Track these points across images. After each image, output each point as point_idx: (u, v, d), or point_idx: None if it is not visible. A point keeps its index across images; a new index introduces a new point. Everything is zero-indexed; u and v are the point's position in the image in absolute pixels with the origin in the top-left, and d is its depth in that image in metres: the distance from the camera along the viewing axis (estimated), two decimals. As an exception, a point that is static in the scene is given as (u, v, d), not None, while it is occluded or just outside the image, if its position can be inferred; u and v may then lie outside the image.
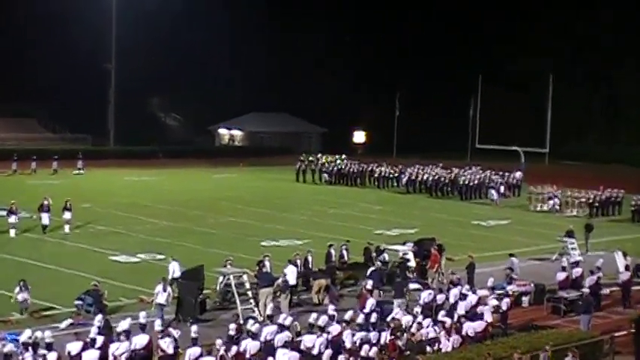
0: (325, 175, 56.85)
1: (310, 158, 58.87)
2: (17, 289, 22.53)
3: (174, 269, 24.54)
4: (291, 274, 24.35)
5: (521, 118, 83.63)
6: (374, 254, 27.72)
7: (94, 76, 77.96)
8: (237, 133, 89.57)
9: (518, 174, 55.34)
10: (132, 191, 49.42)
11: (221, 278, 24.01)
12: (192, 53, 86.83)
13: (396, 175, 54.60)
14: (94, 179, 55.52)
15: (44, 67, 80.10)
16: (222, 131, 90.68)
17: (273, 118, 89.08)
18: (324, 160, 59.92)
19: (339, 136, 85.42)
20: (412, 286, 25.48)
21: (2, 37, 78.87)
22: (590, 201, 45.34)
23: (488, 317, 20.76)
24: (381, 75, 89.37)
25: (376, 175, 55.61)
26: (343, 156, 61.31)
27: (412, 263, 27.27)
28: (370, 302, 21.32)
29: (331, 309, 19.82)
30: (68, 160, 59.17)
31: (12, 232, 32.77)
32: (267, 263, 25.14)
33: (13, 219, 32.91)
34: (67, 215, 34.57)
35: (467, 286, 23.30)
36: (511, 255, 28.38)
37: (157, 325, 20.72)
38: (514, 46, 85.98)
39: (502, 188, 51.54)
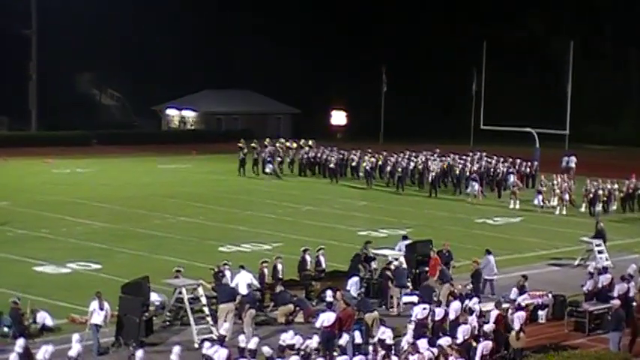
0: (269, 165, 55.43)
1: (253, 145, 56.82)
2: None
3: (242, 282, 24.20)
4: (242, 283, 24.25)
5: (534, 93, 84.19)
6: (364, 263, 27.66)
7: (10, 45, 77.15)
8: (189, 114, 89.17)
9: (572, 158, 56.04)
10: (59, 186, 49.05)
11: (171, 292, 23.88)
12: (134, 18, 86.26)
13: (380, 164, 53.91)
14: (12, 171, 55.05)
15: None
16: (171, 112, 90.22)
17: (234, 96, 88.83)
18: (278, 147, 58.34)
19: (314, 117, 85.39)
20: (406, 298, 25.48)
21: None
22: (622, 194, 45.71)
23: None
24: (364, 43, 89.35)
25: (354, 165, 55.07)
26: (310, 142, 60.78)
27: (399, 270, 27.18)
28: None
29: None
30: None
31: None
32: (227, 273, 25.02)
33: None
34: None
35: (475, 299, 23.33)
36: (488, 252, 28.47)
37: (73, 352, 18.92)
38: (526, 5, 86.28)
39: (512, 178, 51.74)
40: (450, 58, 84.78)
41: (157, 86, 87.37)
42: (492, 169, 52.69)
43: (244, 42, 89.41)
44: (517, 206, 45.41)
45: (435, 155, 56.19)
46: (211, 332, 22.56)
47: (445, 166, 52.38)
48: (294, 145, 59.81)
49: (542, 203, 45.50)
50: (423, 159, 54.07)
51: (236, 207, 43.70)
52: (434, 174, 50.17)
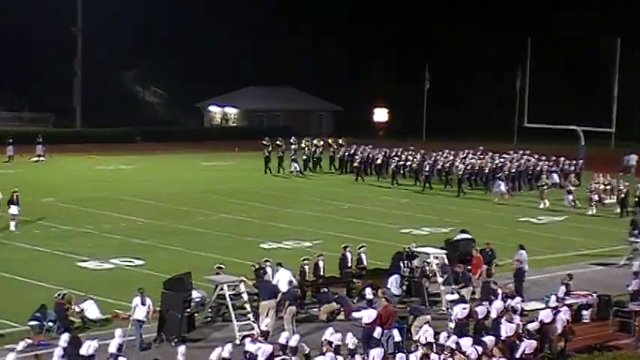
0: (294, 164, 54.96)
1: (278, 142, 56.20)
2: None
3: (282, 279, 24.23)
4: (283, 280, 24.27)
5: (580, 90, 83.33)
6: (405, 260, 27.56)
7: (57, 43, 77.98)
8: (231, 111, 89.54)
9: (633, 157, 55.50)
10: (104, 183, 49.47)
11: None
12: (178, 16, 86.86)
13: (417, 162, 53.05)
14: (58, 168, 55.62)
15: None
16: (214, 109, 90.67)
17: (276, 93, 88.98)
18: (303, 145, 57.76)
19: (356, 114, 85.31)
20: (449, 297, 25.37)
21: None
22: None
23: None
24: (407, 40, 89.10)
25: (379, 163, 54.49)
26: (341, 139, 60.56)
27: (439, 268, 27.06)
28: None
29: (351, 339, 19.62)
30: (26, 144, 59.21)
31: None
32: (268, 270, 25.07)
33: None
34: (14, 210, 34.70)
35: (518, 298, 23.17)
36: (521, 247, 28.23)
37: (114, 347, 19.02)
38: (572, 1, 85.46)
39: (555, 177, 51.35)
40: (493, 55, 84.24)
41: (199, 83, 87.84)
42: (532, 168, 52.27)
43: (287, 40, 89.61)
44: (546, 205, 44.87)
45: (478, 154, 55.85)
46: (253, 329, 22.63)
47: (483, 164, 51.90)
48: (322, 142, 59.36)
49: (572, 203, 45.01)
50: (450, 157, 53.55)
51: (277, 204, 43.79)
52: (461, 173, 49.83)
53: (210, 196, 45.72)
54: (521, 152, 56.37)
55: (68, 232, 35.21)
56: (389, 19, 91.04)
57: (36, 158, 58.19)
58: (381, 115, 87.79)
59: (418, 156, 53.97)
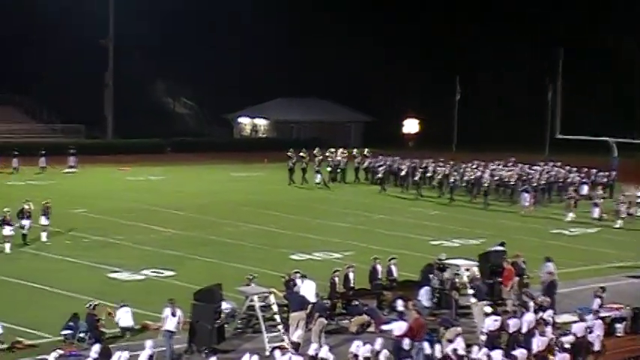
0: (318, 175, 54.42)
1: (301, 154, 56.24)
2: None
3: (308, 290, 24.19)
4: (308, 292, 24.22)
5: (612, 102, 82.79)
6: (436, 271, 27.43)
7: (88, 55, 78.63)
8: (261, 122, 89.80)
9: None
10: (134, 193, 49.73)
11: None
12: (207, 27, 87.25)
13: (441, 174, 52.64)
14: (89, 179, 56.00)
15: (28, 43, 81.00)
16: (243, 120, 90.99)
17: (306, 104, 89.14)
18: (327, 154, 57.74)
19: (386, 125, 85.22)
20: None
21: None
22: None
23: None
24: (437, 50, 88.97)
25: (403, 175, 54.01)
26: (366, 151, 60.43)
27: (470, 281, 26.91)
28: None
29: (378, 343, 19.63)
30: (58, 155, 59.65)
31: (7, 247, 32.61)
32: (298, 281, 25.05)
33: (7, 231, 32.75)
34: (44, 221, 34.93)
35: (550, 311, 22.99)
36: (547, 259, 27.99)
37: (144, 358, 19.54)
38: (606, 11, 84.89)
39: (585, 189, 50.97)
40: (525, 66, 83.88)
41: (229, 95, 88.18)
42: (563, 179, 51.92)
43: (317, 51, 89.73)
44: (573, 218, 44.43)
45: (509, 165, 55.58)
46: (283, 340, 22.63)
47: (512, 176, 51.53)
48: (345, 154, 59.24)
49: (600, 216, 44.59)
50: (480, 169, 53.21)
51: (307, 215, 43.79)
52: (487, 185, 49.51)
53: (239, 207, 45.81)
54: (551, 164, 56.04)
55: (99, 243, 35.41)
56: (420, 30, 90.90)
57: (68, 169, 58.61)
58: (411, 125, 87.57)
59: (444, 167, 53.68)
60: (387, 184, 53.79)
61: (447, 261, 27.90)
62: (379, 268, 27.35)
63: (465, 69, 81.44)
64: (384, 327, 22.16)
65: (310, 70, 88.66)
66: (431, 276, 27.07)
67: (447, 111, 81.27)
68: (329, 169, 56.49)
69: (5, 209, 33.21)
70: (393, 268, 27.73)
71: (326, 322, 23.50)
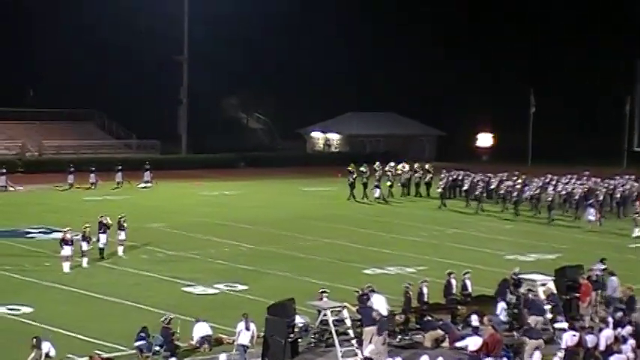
0: (377, 190, 54.06)
1: (362, 169, 55.74)
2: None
3: (379, 305, 24.01)
4: (379, 306, 24.04)
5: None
6: (511, 287, 27.07)
7: (163, 71, 79.79)
8: (333, 136, 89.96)
9: None
10: (208, 208, 50.16)
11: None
12: (280, 43, 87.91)
13: (505, 188, 51.67)
14: (164, 194, 56.69)
15: (104, 61, 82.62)
16: (316, 135, 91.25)
17: (378, 118, 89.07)
18: (387, 169, 57.29)
19: (459, 139, 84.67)
20: (557, 325, 24.81)
21: (54, 24, 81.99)
22: None
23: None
24: (511, 63, 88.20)
25: (465, 188, 53.44)
26: (427, 165, 59.97)
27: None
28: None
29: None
30: (134, 170, 60.57)
31: (84, 262, 33.12)
32: (371, 296, 24.94)
33: (85, 245, 33.17)
34: (121, 235, 35.39)
35: (629, 328, 22.50)
36: (611, 273, 27.29)
37: None
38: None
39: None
40: (600, 78, 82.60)
41: (302, 109, 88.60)
42: (637, 193, 50.91)
43: (389, 65, 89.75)
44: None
45: (583, 178, 54.68)
46: (356, 355, 22.54)
47: (586, 191, 50.58)
48: (407, 168, 58.75)
49: None
50: (540, 184, 52.40)
51: (380, 229, 43.65)
52: (550, 199, 48.60)
53: (312, 221, 45.87)
54: (627, 177, 54.97)
55: (174, 257, 35.76)
56: (493, 43, 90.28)
57: (143, 184, 59.42)
58: (485, 139, 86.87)
59: (507, 181, 53.02)
60: (447, 198, 53.08)
61: (522, 276, 27.53)
62: (454, 282, 27.13)
63: (540, 82, 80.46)
64: (459, 343, 21.91)
65: (382, 85, 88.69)
66: (507, 291, 26.73)
67: (521, 124, 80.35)
68: (389, 183, 56.05)
69: (86, 225, 33.73)
70: (468, 282, 27.47)
71: (382, 338, 23.24)
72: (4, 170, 55.69)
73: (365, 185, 54.91)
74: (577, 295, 26.95)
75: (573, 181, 54.41)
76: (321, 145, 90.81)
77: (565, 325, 24.17)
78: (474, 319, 22.94)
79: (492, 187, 53.35)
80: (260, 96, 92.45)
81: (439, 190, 53.47)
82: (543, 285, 26.71)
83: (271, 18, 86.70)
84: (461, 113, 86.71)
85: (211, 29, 79.51)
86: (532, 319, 23.98)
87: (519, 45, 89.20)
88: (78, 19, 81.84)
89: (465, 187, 53.64)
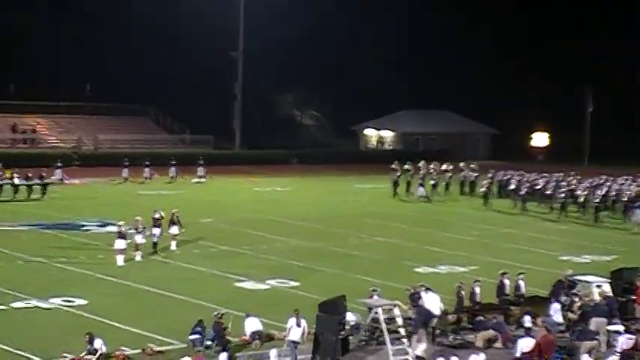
0: (421, 188, 53.73)
1: (406, 167, 55.76)
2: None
3: (431, 303, 23.85)
4: (432, 304, 23.90)
5: None
6: (566, 289, 26.77)
7: (217, 67, 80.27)
8: (387, 134, 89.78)
9: None
10: (261, 204, 50.40)
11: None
12: (335, 40, 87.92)
13: (551, 188, 51.35)
14: (217, 189, 57.03)
15: (159, 56, 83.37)
16: (369, 132, 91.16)
17: (432, 116, 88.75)
18: (431, 167, 57.05)
19: (514, 138, 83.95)
20: (612, 327, 24.47)
21: (110, 21, 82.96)
22: None
23: None
24: (567, 61, 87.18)
25: (512, 188, 52.68)
26: (472, 164, 59.43)
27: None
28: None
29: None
30: (187, 165, 60.98)
31: (138, 255, 33.39)
32: (423, 294, 24.85)
33: (139, 239, 33.50)
34: (174, 230, 35.61)
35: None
36: None
37: None
38: None
39: None
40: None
41: (355, 107, 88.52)
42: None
43: (445, 64, 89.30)
44: None
45: (639, 180, 53.88)
46: (407, 353, 22.47)
47: (637, 193, 49.73)
48: (451, 167, 58.18)
49: None
50: (590, 185, 51.62)
51: (432, 228, 43.48)
52: (597, 200, 47.94)
53: (364, 218, 45.82)
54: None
55: (226, 253, 35.95)
56: (551, 41, 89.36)
57: (197, 179, 59.85)
58: (540, 139, 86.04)
59: (555, 182, 52.38)
60: (493, 198, 52.70)
61: (577, 277, 27.23)
62: (507, 282, 26.93)
63: (597, 81, 79.44)
64: (515, 352, 21.59)
65: (436, 83, 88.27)
66: (561, 292, 26.45)
67: (578, 124, 79.42)
68: (432, 182, 55.55)
69: (137, 218, 34.04)
70: (521, 283, 27.25)
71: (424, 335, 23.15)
72: (60, 164, 56.47)
73: (409, 184, 54.74)
74: (633, 297, 26.58)
75: (629, 182, 53.68)
76: (374, 143, 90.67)
77: (621, 327, 23.85)
78: (527, 320, 22.73)
79: (539, 187, 52.83)
80: (314, 93, 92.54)
81: (482, 189, 53.09)
82: (599, 287, 26.39)
83: (327, 15, 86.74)
84: (516, 112, 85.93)
85: (267, 26, 79.73)
86: (594, 322, 23.72)
87: (577, 44, 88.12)
88: (135, 16, 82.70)
89: (512, 187, 53.25)
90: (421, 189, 54.02)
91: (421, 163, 57.74)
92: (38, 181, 49.53)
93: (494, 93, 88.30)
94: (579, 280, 27.19)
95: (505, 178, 55.85)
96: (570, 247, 39.07)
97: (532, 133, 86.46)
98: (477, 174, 57.01)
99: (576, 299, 25.79)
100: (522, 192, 51.23)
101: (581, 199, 49.09)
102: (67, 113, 79.04)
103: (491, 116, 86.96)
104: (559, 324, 24.96)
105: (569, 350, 22.57)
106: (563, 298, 26.25)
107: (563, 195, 49.32)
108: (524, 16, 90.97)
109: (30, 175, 49.61)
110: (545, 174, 55.80)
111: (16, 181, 48.88)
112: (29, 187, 48.92)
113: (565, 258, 36.07)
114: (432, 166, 57.83)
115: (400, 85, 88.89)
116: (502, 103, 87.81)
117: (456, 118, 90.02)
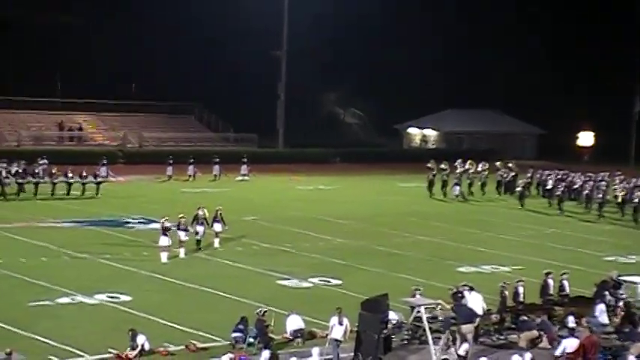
0: (457, 187, 53.34)
1: (442, 166, 55.16)
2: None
3: (474, 303, 23.70)
4: (475, 304, 23.74)
5: None
6: (611, 289, 26.51)
7: (261, 66, 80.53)
8: (430, 133, 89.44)
9: None
10: (303, 202, 50.50)
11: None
12: (378, 38, 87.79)
13: (589, 188, 50.69)
14: (260, 187, 57.22)
15: (204, 56, 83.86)
16: (413, 131, 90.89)
17: (476, 115, 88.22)
18: (468, 167, 56.52)
19: (560, 138, 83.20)
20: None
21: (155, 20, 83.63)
22: None
23: None
24: (615, 61, 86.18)
25: (548, 188, 52.35)
26: (511, 164, 58.82)
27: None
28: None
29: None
30: (231, 163, 61.23)
31: (181, 252, 33.61)
32: (466, 294, 24.74)
33: (183, 236, 33.61)
34: (217, 227, 35.75)
35: None
36: None
37: None
38: None
39: None
40: None
41: (399, 105, 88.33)
42: None
43: (488, 63, 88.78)
44: None
45: None
46: (449, 352, 22.39)
47: None
48: (487, 166, 57.65)
49: None
50: (630, 185, 50.93)
51: (476, 227, 43.24)
52: (637, 201, 47.12)
53: (407, 217, 45.73)
54: None
55: (268, 250, 36.06)
56: (595, 41, 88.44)
57: (240, 177, 60.11)
58: (586, 139, 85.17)
59: (593, 182, 51.82)
60: (528, 197, 52.29)
61: (624, 278, 26.96)
62: (551, 282, 26.74)
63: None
64: (556, 352, 21.42)
65: (481, 82, 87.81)
66: (606, 293, 26.19)
67: (624, 124, 78.51)
68: (468, 181, 55.12)
69: (180, 215, 34.27)
70: (566, 283, 27.05)
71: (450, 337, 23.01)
72: (106, 161, 57.02)
73: (445, 183, 54.45)
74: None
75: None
76: (418, 142, 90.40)
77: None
78: (571, 321, 22.54)
79: (576, 186, 52.32)
80: (358, 92, 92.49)
81: (519, 189, 52.62)
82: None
83: (370, 16, 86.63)
84: (562, 112, 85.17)
85: (311, 25, 79.83)
86: None
87: (625, 43, 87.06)
88: (181, 14, 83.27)
89: (548, 187, 52.76)
90: (457, 188, 53.73)
91: (457, 162, 57.42)
92: (92, 179, 50.00)
93: (541, 93, 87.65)
94: (625, 281, 26.92)
95: (543, 177, 55.38)
96: (615, 247, 38.67)
97: (577, 132, 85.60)
98: (513, 173, 56.57)
99: (621, 301, 25.55)
100: (558, 192, 50.77)
101: (619, 200, 48.48)
102: (113, 111, 79.80)
103: (538, 116, 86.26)
104: (604, 325, 24.72)
105: (615, 351, 22.34)
106: (608, 299, 26.02)
107: (600, 195, 48.78)
108: (572, 15, 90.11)
109: (84, 173, 49.96)
110: (590, 174, 55.20)
111: (70, 178, 49.29)
112: (83, 185, 49.38)
113: (610, 258, 35.71)
114: (467, 165, 57.49)
115: (445, 84, 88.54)
116: (548, 103, 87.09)
117: (502, 118, 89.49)
